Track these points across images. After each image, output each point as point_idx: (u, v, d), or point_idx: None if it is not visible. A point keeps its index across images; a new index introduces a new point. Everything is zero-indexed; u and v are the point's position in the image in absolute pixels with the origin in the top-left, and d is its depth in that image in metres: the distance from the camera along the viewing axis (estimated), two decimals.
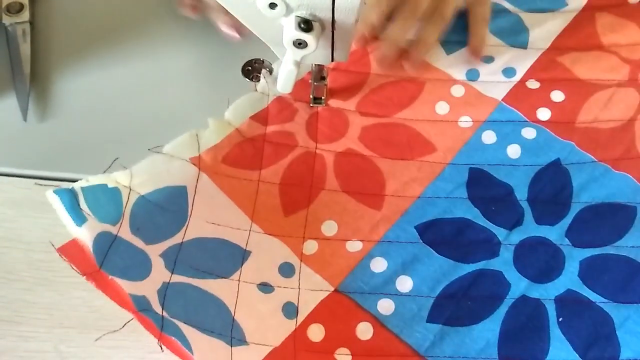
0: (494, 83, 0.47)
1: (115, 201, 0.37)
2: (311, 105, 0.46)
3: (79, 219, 0.35)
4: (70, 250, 0.35)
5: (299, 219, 0.41)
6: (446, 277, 0.38)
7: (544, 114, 0.45)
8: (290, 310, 0.36)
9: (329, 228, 0.40)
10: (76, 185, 0.36)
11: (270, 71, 0.47)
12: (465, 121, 0.45)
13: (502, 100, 0.46)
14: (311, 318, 0.36)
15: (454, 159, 0.43)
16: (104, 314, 0.37)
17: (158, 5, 0.53)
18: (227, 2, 0.36)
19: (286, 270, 0.38)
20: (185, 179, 0.39)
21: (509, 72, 0.47)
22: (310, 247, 0.39)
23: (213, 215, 0.39)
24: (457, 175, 0.42)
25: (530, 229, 0.40)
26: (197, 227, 0.38)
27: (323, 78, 0.45)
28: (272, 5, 0.34)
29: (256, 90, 0.46)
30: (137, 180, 0.38)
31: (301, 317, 0.36)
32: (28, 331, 0.37)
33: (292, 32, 0.35)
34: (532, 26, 0.49)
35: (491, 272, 0.38)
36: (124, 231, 0.36)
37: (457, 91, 0.46)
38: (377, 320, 0.36)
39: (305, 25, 0.35)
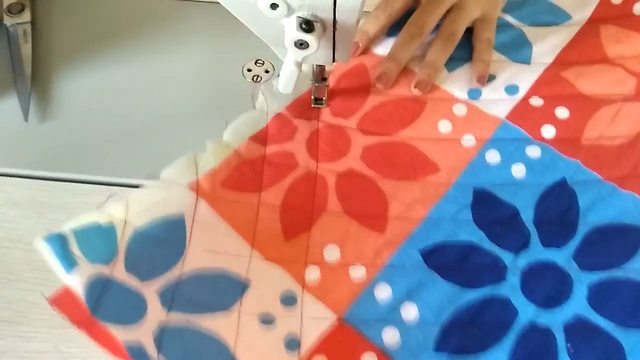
0: (496, 101, 0.46)
1: (109, 239, 0.35)
2: (312, 106, 0.46)
3: (70, 264, 0.34)
4: (62, 300, 0.34)
5: (300, 243, 0.39)
6: (452, 303, 0.37)
7: (548, 131, 0.44)
8: (292, 343, 0.35)
9: (331, 253, 0.39)
10: (67, 229, 0.35)
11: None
12: (468, 140, 0.44)
13: (505, 118, 0.45)
14: (315, 350, 0.35)
15: (458, 179, 0.42)
16: None
17: (158, 6, 0.53)
18: (228, 2, 0.36)
19: (288, 299, 0.37)
20: (183, 207, 0.38)
21: (511, 89, 0.46)
22: (313, 273, 0.38)
23: (212, 243, 0.38)
24: (462, 197, 0.41)
25: (537, 252, 0.39)
26: (195, 258, 0.37)
27: (324, 79, 0.45)
28: (274, 6, 0.34)
29: (254, 107, 0.45)
30: (133, 211, 0.37)
31: (304, 349, 0.35)
32: (29, 331, 0.37)
33: (294, 33, 0.35)
34: (535, 41, 0.49)
35: (498, 298, 0.38)
36: (118, 270, 0.35)
37: (460, 110, 0.45)
38: (382, 351, 0.35)
39: (307, 25, 0.35)
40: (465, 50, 0.48)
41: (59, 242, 0.34)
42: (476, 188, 0.42)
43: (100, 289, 0.33)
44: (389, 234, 0.40)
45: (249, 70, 0.49)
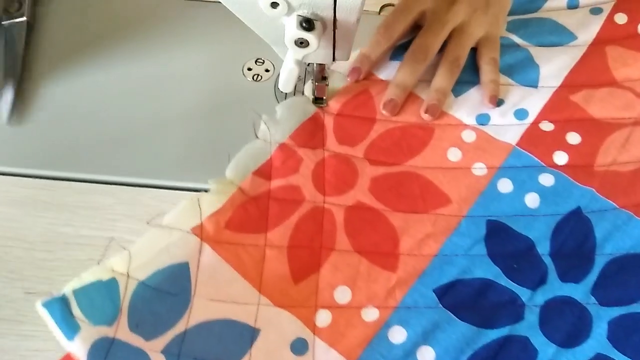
0: (506, 126, 0.44)
1: (112, 296, 0.34)
2: (313, 104, 0.45)
3: (72, 330, 0.32)
4: None
5: (309, 286, 0.38)
6: (470, 346, 0.36)
7: (560, 158, 0.43)
8: None
9: (342, 295, 0.38)
10: (68, 290, 0.34)
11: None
12: (479, 168, 0.43)
13: (516, 144, 0.43)
14: None
15: (469, 210, 0.41)
16: None
17: (159, 5, 0.53)
18: (228, 1, 0.35)
19: (299, 346, 0.35)
20: (187, 254, 0.36)
21: (520, 113, 0.45)
22: (323, 317, 0.37)
23: (218, 292, 0.36)
24: (475, 230, 0.40)
25: (554, 287, 0.38)
26: (201, 310, 0.35)
27: (324, 78, 0.44)
28: (274, 5, 0.34)
29: (257, 137, 0.43)
30: (135, 263, 0.35)
31: None
32: (30, 330, 0.37)
33: (294, 31, 0.34)
34: (542, 62, 0.47)
35: (517, 339, 0.36)
36: (122, 331, 0.33)
37: (469, 136, 0.44)
38: None
39: (307, 24, 0.34)
40: (469, 73, 0.47)
41: (60, 306, 0.33)
42: (489, 220, 0.40)
43: (104, 353, 0.32)
44: (400, 272, 0.39)
45: (250, 69, 0.49)
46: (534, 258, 0.39)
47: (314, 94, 0.45)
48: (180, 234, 0.37)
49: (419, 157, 0.43)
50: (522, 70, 0.47)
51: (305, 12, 0.34)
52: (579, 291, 0.38)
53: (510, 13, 0.50)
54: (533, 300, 0.38)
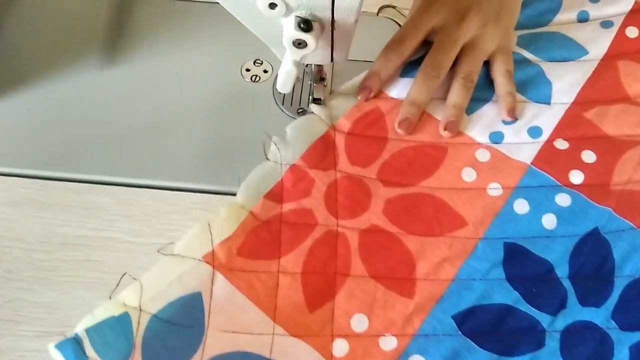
0: (520, 145, 0.44)
1: (125, 332, 0.33)
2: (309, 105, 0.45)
3: None
4: None
5: (325, 314, 0.37)
6: None
7: (576, 177, 0.42)
8: None
9: (359, 323, 0.37)
10: (81, 330, 0.33)
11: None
12: (494, 188, 0.42)
13: (531, 163, 0.43)
14: None
15: (486, 232, 0.40)
16: None
17: (157, 6, 0.53)
18: (226, 2, 0.35)
19: None
20: (199, 284, 0.35)
21: (534, 131, 0.44)
22: (340, 347, 0.36)
23: (232, 322, 0.35)
24: (492, 253, 0.39)
25: (574, 312, 0.37)
26: (215, 342, 0.34)
27: (322, 79, 0.45)
28: (272, 5, 0.34)
29: (267, 159, 0.42)
30: (147, 295, 0.34)
31: None
32: (28, 330, 0.37)
33: (292, 32, 0.34)
34: (554, 78, 0.46)
35: None
36: None
37: (483, 155, 0.43)
38: None
39: (305, 25, 0.34)
40: (481, 90, 0.46)
41: (73, 348, 0.32)
42: (506, 242, 0.40)
43: None
44: (418, 298, 0.38)
45: (248, 70, 0.49)
46: (553, 282, 0.38)
47: (312, 94, 0.45)
48: (192, 262, 0.36)
49: (433, 178, 0.42)
50: (534, 86, 0.46)
51: (303, 13, 0.34)
52: (600, 315, 0.37)
53: (520, 27, 0.50)
54: (553, 325, 0.37)
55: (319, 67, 0.43)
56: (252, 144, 0.44)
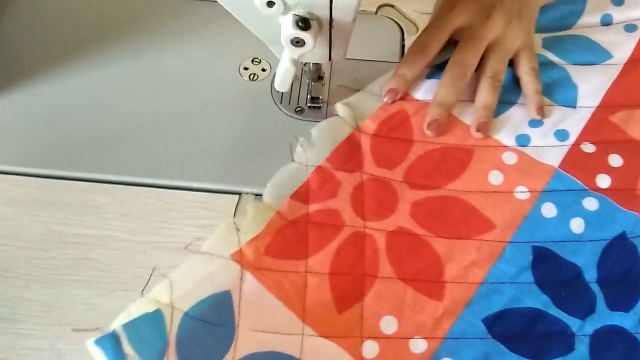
0: (547, 147, 0.43)
1: (159, 329, 0.33)
2: (308, 105, 0.46)
3: None
4: None
5: (354, 316, 0.37)
6: None
7: (603, 181, 0.42)
8: None
9: (388, 325, 0.36)
10: (118, 326, 0.33)
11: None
12: (521, 192, 0.42)
13: (558, 167, 0.42)
14: None
15: (514, 236, 0.40)
16: (101, 312, 0.37)
17: (155, 4, 0.53)
18: (224, 0, 0.35)
19: None
20: (228, 282, 0.35)
21: (561, 134, 0.44)
22: (370, 348, 0.36)
23: (262, 322, 0.35)
24: (520, 257, 0.39)
25: (603, 316, 0.37)
26: (246, 342, 0.34)
27: (320, 77, 0.45)
28: (270, 4, 0.33)
29: (292, 160, 0.42)
30: (178, 293, 0.34)
31: None
32: (25, 329, 0.37)
33: (290, 31, 0.34)
34: (580, 82, 0.46)
35: None
36: None
37: (510, 158, 0.43)
38: None
39: (303, 23, 0.34)
40: (506, 92, 0.45)
41: (112, 344, 0.32)
42: (535, 246, 0.39)
43: None
44: (447, 301, 0.37)
45: (246, 68, 0.48)
46: (582, 286, 0.38)
47: (310, 93, 0.45)
48: (222, 261, 0.36)
49: (459, 181, 0.42)
50: (560, 89, 0.46)
51: (302, 12, 0.34)
52: (629, 320, 0.37)
53: (544, 30, 0.50)
54: (582, 329, 0.37)
55: (317, 66, 0.43)
56: (250, 143, 0.44)
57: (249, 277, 0.36)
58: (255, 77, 0.48)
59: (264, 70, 0.48)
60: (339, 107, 0.44)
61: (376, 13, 0.53)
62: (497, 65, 0.45)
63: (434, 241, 0.40)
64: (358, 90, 0.46)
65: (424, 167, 0.43)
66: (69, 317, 0.37)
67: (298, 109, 0.47)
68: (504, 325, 0.37)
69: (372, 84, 0.46)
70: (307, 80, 0.45)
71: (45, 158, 0.43)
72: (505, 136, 0.44)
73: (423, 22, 0.51)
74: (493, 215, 0.41)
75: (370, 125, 0.44)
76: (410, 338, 0.36)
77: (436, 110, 0.44)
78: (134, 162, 0.43)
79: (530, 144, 0.44)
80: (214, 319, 0.34)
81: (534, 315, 0.37)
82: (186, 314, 0.33)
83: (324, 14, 0.34)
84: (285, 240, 0.38)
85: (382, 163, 0.43)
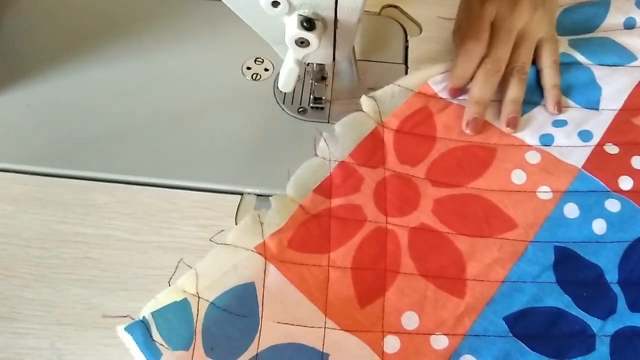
0: (570, 148, 0.43)
1: (187, 318, 0.33)
2: (311, 106, 0.46)
3: (154, 356, 0.32)
4: None
5: (375, 310, 0.37)
6: None
7: (626, 183, 0.42)
8: None
9: (410, 320, 0.37)
10: (147, 313, 0.33)
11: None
12: (544, 192, 0.42)
13: (582, 167, 0.42)
14: None
15: (536, 235, 0.40)
16: (101, 311, 0.37)
17: (158, 3, 0.52)
18: (229, 0, 0.35)
19: None
20: (252, 274, 0.35)
21: (585, 135, 0.44)
22: (392, 343, 0.36)
23: (285, 314, 0.35)
24: (542, 256, 0.39)
25: (624, 317, 0.37)
26: (270, 333, 0.34)
27: (324, 78, 0.45)
28: (275, 4, 0.33)
29: (316, 154, 0.42)
30: (203, 283, 0.34)
31: None
32: (25, 328, 0.37)
33: (295, 31, 0.34)
34: (604, 84, 0.46)
35: None
36: (198, 355, 0.32)
37: (533, 157, 0.43)
38: None
39: (308, 23, 0.34)
40: (530, 94, 0.45)
41: (142, 331, 0.32)
42: (557, 246, 0.39)
43: None
44: (469, 298, 0.38)
45: (249, 68, 0.48)
46: (603, 287, 0.38)
47: (313, 93, 0.44)
48: (246, 253, 0.36)
49: (482, 179, 0.42)
50: (584, 91, 0.46)
51: (306, 12, 0.34)
52: None
53: (568, 32, 0.50)
54: (603, 330, 0.37)
55: (321, 66, 0.43)
56: (253, 143, 0.44)
57: (272, 269, 0.36)
58: (258, 76, 0.48)
59: (266, 70, 0.48)
60: (364, 101, 0.44)
61: (380, 14, 0.53)
62: (523, 58, 0.45)
63: (455, 239, 0.40)
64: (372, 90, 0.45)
65: (446, 165, 0.43)
66: (69, 317, 0.37)
67: (301, 109, 0.46)
68: (525, 324, 0.37)
69: (404, 77, 0.46)
70: (310, 81, 0.45)
71: (46, 156, 0.43)
72: (528, 135, 0.44)
73: (426, 23, 0.51)
74: (515, 214, 0.41)
75: (393, 122, 0.44)
76: (432, 334, 0.36)
77: (474, 109, 0.44)
78: (136, 161, 0.43)
79: (554, 144, 0.44)
80: (239, 309, 0.34)
81: (555, 315, 0.37)
82: (212, 304, 0.34)
83: (329, 14, 0.34)
84: (308, 234, 0.38)
85: (405, 160, 0.43)
